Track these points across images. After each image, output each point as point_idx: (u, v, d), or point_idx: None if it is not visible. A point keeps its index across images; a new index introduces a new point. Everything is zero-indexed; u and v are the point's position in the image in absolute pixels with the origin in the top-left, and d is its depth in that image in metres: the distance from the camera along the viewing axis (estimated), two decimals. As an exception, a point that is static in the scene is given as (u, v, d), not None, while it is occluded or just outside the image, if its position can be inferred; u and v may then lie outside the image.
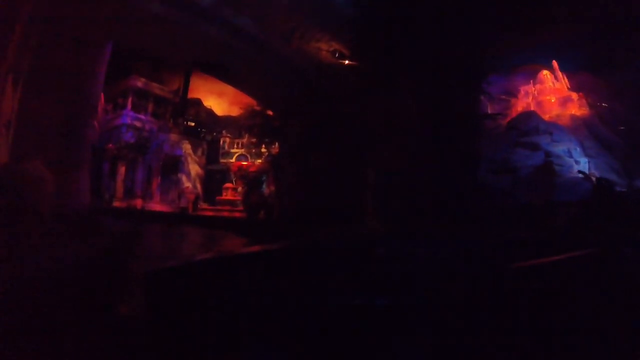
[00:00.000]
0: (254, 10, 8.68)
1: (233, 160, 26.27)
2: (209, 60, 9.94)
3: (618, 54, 19.60)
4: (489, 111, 18.64)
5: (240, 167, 24.25)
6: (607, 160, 17.53)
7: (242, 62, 9.57)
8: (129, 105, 21.65)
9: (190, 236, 9.14)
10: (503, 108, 21.66)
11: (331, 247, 2.70)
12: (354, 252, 2.54)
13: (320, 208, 9.22)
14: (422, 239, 3.70)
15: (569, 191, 12.32)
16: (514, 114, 21.24)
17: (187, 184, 22.84)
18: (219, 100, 30.91)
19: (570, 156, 16.55)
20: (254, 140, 21.45)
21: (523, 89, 22.99)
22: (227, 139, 27.49)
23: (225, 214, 18.15)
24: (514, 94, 23.18)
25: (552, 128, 17.95)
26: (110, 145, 20.55)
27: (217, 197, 22.82)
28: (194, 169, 24.09)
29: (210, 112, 31.01)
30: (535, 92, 22.44)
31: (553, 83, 22.35)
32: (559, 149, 16.75)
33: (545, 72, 22.60)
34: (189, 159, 23.79)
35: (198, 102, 29.97)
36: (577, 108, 20.78)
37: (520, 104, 22.58)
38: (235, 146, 27.12)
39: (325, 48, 9.56)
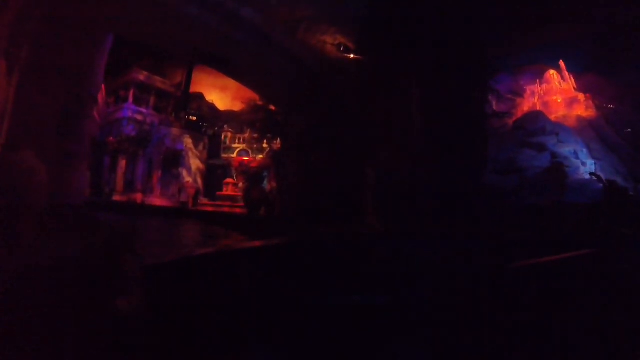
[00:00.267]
0: (258, 1, 8.49)
1: (234, 155, 26.14)
2: (211, 52, 9.75)
3: (624, 55, 19.36)
4: (496, 110, 18.43)
5: (242, 163, 24.12)
6: (612, 162, 17.32)
7: (245, 54, 9.38)
8: (131, 99, 21.51)
9: (190, 231, 9.12)
10: (509, 107, 21.46)
11: (331, 245, 2.65)
12: (354, 251, 2.52)
13: (321, 206, 9.16)
14: (422, 238, 3.68)
15: (577, 193, 12.17)
16: (519, 113, 20.97)
17: (188, 179, 22.72)
18: (221, 94, 30.75)
19: (577, 158, 16.36)
20: (255, 135, 21.36)
21: (529, 89, 22.67)
22: (229, 134, 27.39)
23: (226, 209, 18.04)
24: (519, 93, 22.91)
25: (558, 129, 17.73)
26: (111, 138, 20.44)
27: (218, 192, 22.79)
28: (195, 163, 23.97)
29: (212, 107, 30.83)
30: (542, 92, 22.12)
31: (560, 83, 22.05)
32: (565, 150, 16.56)
33: (551, 72, 22.30)
34: (190, 154, 23.67)
35: (200, 97, 29.80)
36: (583, 109, 20.51)
37: (526, 104, 22.28)
38: (237, 141, 27.01)
39: (331, 41, 9.36)
